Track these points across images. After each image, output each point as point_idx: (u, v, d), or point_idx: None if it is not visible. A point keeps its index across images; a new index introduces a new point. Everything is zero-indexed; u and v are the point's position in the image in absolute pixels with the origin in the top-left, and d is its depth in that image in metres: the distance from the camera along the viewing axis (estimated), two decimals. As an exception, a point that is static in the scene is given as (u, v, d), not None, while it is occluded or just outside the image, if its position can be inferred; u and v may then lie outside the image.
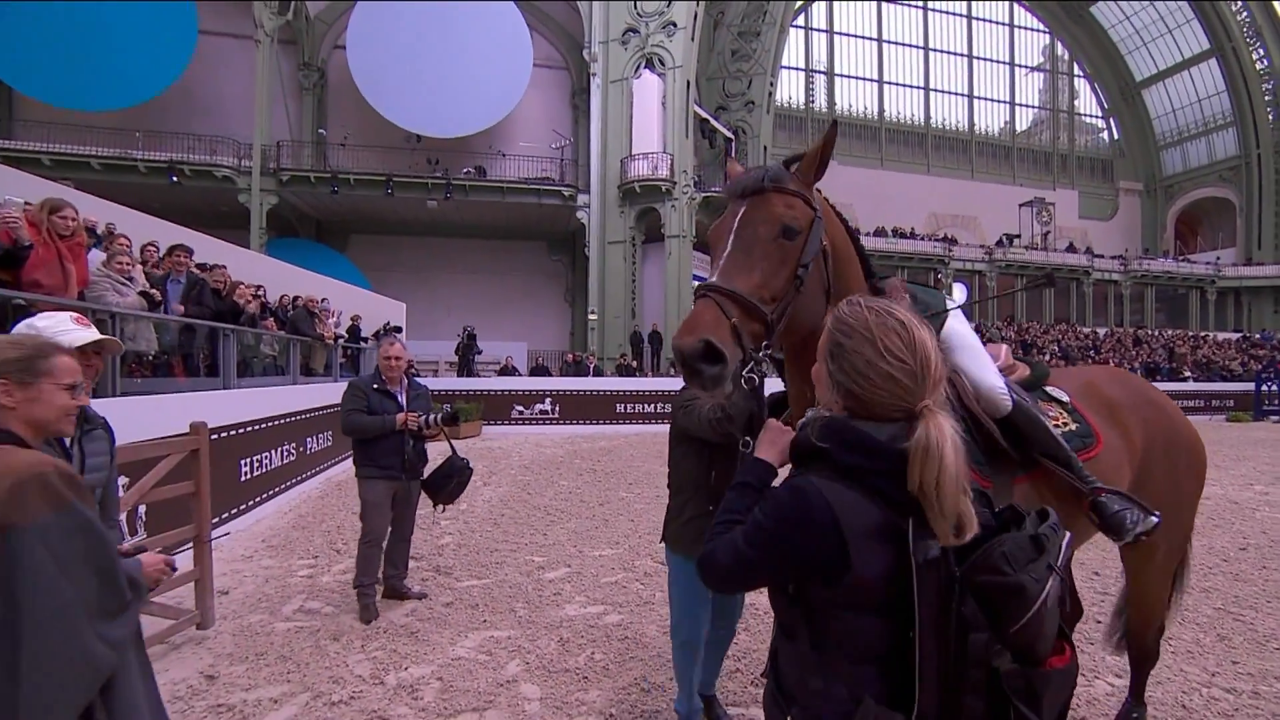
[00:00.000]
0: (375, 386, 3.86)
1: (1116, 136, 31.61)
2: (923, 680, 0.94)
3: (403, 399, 3.91)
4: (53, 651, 1.12)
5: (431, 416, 3.86)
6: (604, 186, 19.51)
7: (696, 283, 20.92)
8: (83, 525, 1.19)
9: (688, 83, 19.19)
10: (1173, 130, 30.29)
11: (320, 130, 20.16)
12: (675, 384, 15.67)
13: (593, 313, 19.66)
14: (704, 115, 21.52)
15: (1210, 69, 28.40)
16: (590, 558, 4.98)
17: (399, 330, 12.70)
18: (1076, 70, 31.38)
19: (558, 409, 14.08)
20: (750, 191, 1.44)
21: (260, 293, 8.02)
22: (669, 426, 2.57)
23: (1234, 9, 26.84)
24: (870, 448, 0.98)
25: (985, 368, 1.73)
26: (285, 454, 6.92)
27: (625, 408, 14.76)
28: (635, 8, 18.95)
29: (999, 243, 27.24)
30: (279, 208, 18.46)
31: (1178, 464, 2.23)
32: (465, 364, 14.57)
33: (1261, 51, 26.95)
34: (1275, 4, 26.23)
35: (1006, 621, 0.92)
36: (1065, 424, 1.97)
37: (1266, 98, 27.15)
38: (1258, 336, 26.70)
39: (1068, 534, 1.02)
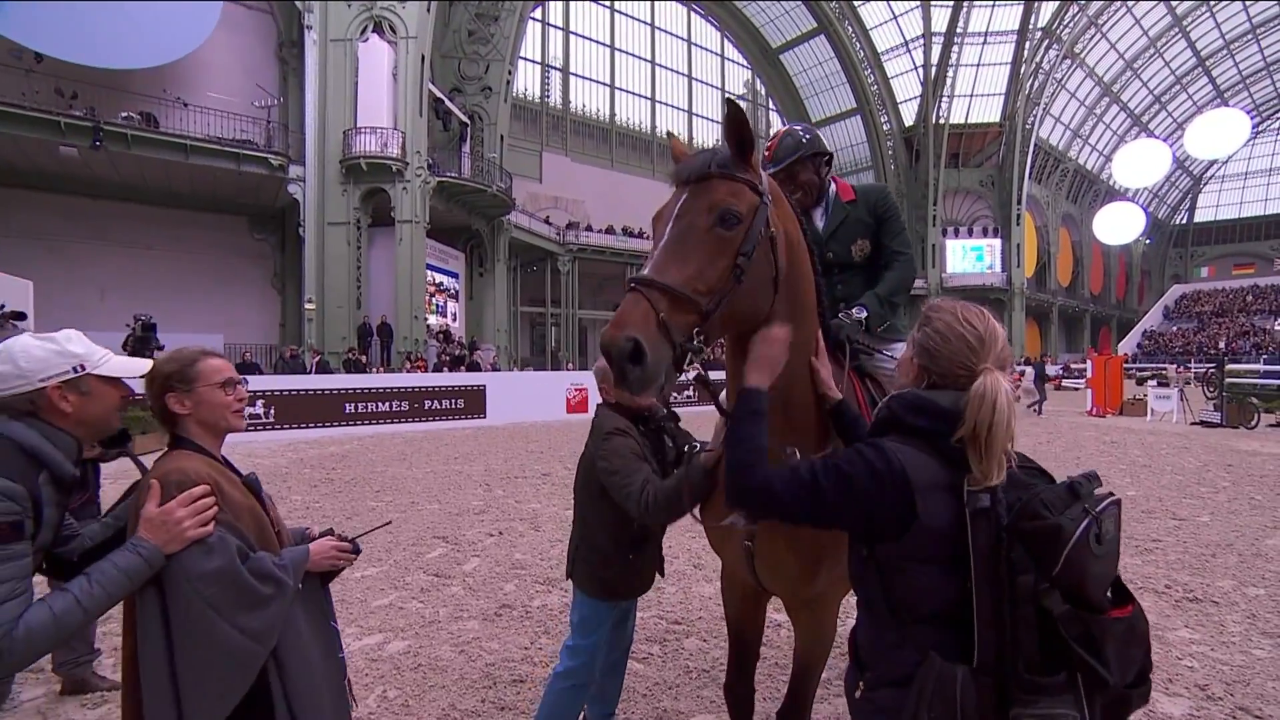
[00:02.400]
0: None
1: (795, 166, 38.32)
2: (980, 627, 1.04)
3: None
4: (195, 648, 1.27)
5: None
6: (322, 160, 17.06)
7: (431, 273, 20.15)
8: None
9: (422, 57, 17.81)
10: (837, 166, 35.97)
11: None
12: (412, 380, 14.61)
13: (309, 301, 17.12)
14: (439, 95, 20.24)
15: (856, 124, 36.17)
16: (351, 581, 4.22)
17: (21, 317, 9.34)
18: (771, 105, 37.19)
19: (272, 412, 11.93)
20: (694, 177, 1.37)
21: None
22: (579, 463, 2.22)
23: (868, 80, 34.56)
24: (934, 411, 1.12)
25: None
26: None
27: (355, 408, 13.16)
28: (360, -39, 16.95)
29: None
30: None
31: None
32: (138, 362, 11.43)
33: (885, 116, 35.22)
34: (893, 80, 34.60)
35: (1048, 561, 1.01)
36: None
37: (889, 152, 35.56)
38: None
39: (1118, 498, 1.09)
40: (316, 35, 16.95)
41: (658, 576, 2.29)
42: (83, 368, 1.39)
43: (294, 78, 18.27)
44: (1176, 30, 37.88)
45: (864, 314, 1.94)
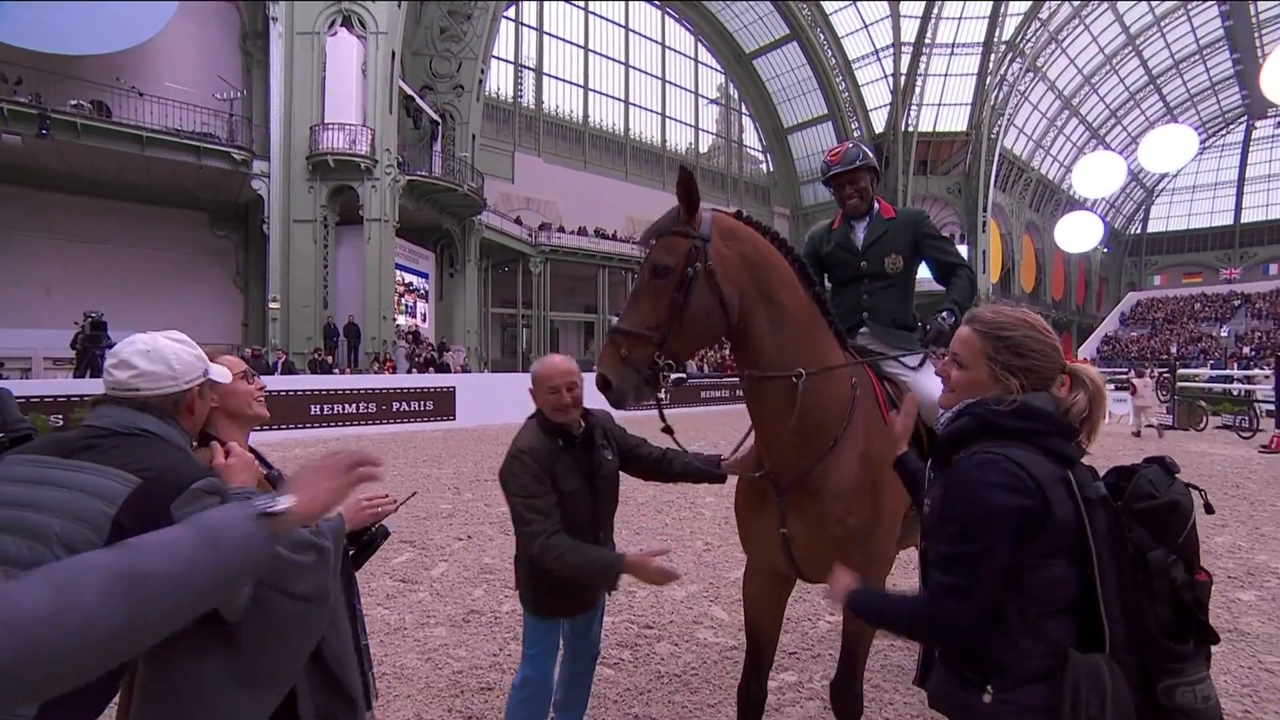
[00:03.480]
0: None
1: (771, 169, 38.61)
2: (1109, 611, 1.08)
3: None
4: (254, 618, 1.19)
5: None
6: (288, 155, 16.63)
7: (400, 273, 19.76)
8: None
9: (393, 53, 17.51)
10: (809, 170, 38.04)
11: None
12: (380, 382, 14.28)
13: (274, 300, 16.66)
14: (409, 92, 19.92)
15: (828, 129, 36.52)
16: (313, 588, 4.05)
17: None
18: (744, 109, 37.38)
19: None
20: (645, 242, 1.82)
21: None
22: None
23: (839, 87, 35.05)
24: (1035, 413, 1.17)
25: (933, 388, 2.05)
26: None
27: (321, 410, 12.86)
28: (328, -47, 16.58)
29: (685, 250, 31.03)
30: None
31: None
32: (88, 361, 10.94)
33: (856, 123, 35.75)
34: (864, 88, 35.15)
35: (1174, 534, 1.10)
36: None
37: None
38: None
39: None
40: (282, 27, 16.53)
41: (618, 591, 2.23)
42: (206, 372, 1.42)
43: (258, 70, 17.79)
44: (1130, 49, 39.37)
45: (951, 319, 2.24)
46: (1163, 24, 37.98)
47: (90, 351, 10.90)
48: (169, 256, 17.76)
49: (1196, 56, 41.16)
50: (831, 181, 2.48)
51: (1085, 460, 1.23)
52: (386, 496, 1.66)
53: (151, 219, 17.53)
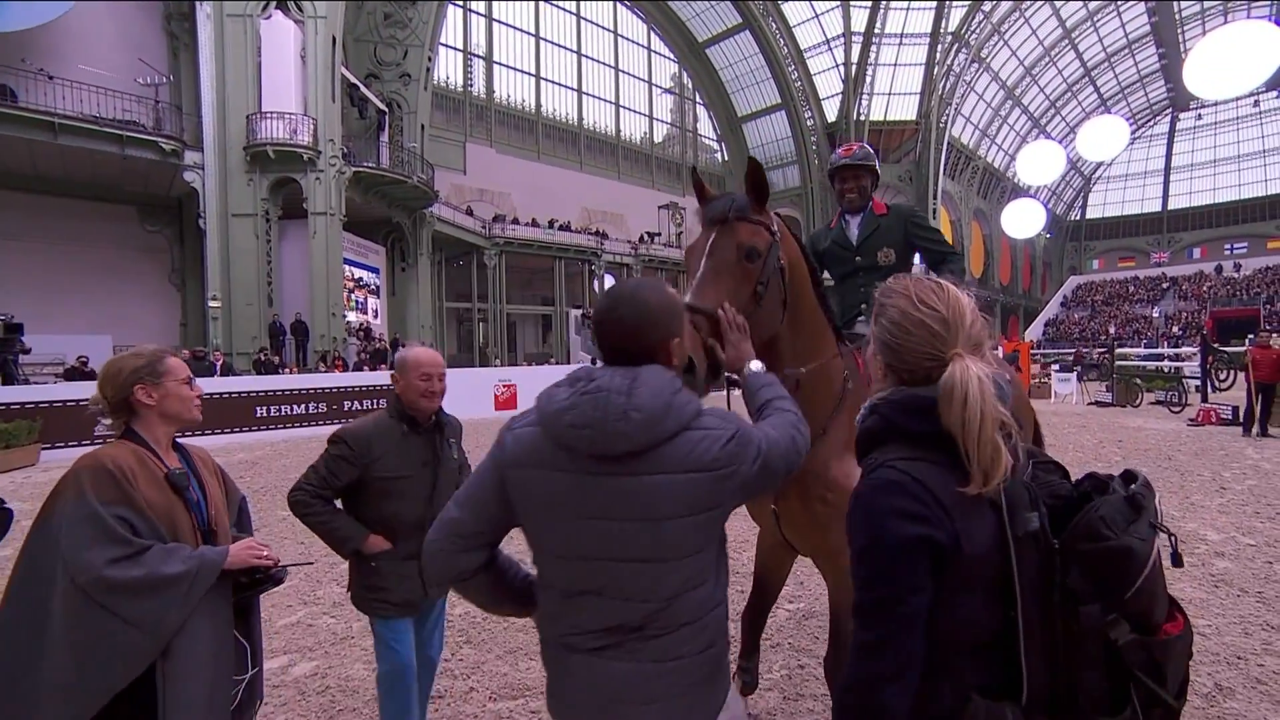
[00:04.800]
0: None
1: (726, 158, 38.77)
2: (1029, 660, 0.89)
3: None
4: (70, 630, 1.32)
5: None
6: (223, 146, 15.80)
7: (350, 268, 19.09)
8: (89, 516, 1.37)
9: (334, 38, 16.81)
10: (763, 159, 37.52)
11: None
12: (328, 380, 13.77)
13: (214, 298, 15.90)
14: (353, 81, 19.19)
15: (781, 118, 36.84)
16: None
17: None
18: (698, 98, 37.38)
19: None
20: (720, 219, 1.68)
21: None
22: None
23: (792, 76, 35.34)
24: (930, 408, 0.94)
25: None
26: None
27: (267, 411, 12.31)
28: (259, -68, 15.77)
29: (641, 239, 30.94)
30: None
31: None
32: (1, 367, 10.20)
33: (810, 112, 36.14)
34: (816, 77, 35.53)
35: (1119, 588, 0.89)
36: None
37: (813, 147, 36.51)
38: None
39: (1156, 494, 1.00)
40: (210, 8, 15.64)
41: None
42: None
43: (186, 54, 16.84)
44: (1066, 42, 40.91)
45: None
46: (1095, 19, 39.68)
47: (2, 356, 10.16)
48: (94, 253, 16.74)
49: (1126, 51, 43.22)
50: (837, 174, 2.63)
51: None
52: (275, 560, 1.66)
53: (72, 214, 16.46)
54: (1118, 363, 16.57)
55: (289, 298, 16.71)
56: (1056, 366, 19.29)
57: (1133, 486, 0.97)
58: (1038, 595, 0.90)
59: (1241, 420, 10.35)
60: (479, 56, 27.63)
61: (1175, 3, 38.23)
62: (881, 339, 1.03)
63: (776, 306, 1.73)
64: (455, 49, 26.58)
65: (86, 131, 14.16)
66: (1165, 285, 44.03)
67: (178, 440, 1.66)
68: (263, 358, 14.62)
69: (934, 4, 33.29)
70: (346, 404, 13.28)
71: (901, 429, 0.96)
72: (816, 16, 34.12)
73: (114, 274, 17.06)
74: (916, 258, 2.70)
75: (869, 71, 34.92)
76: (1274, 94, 44.37)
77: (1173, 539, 0.98)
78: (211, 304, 15.87)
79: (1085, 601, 0.89)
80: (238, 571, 1.58)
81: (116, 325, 16.09)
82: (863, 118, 35.61)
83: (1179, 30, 40.11)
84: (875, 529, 0.90)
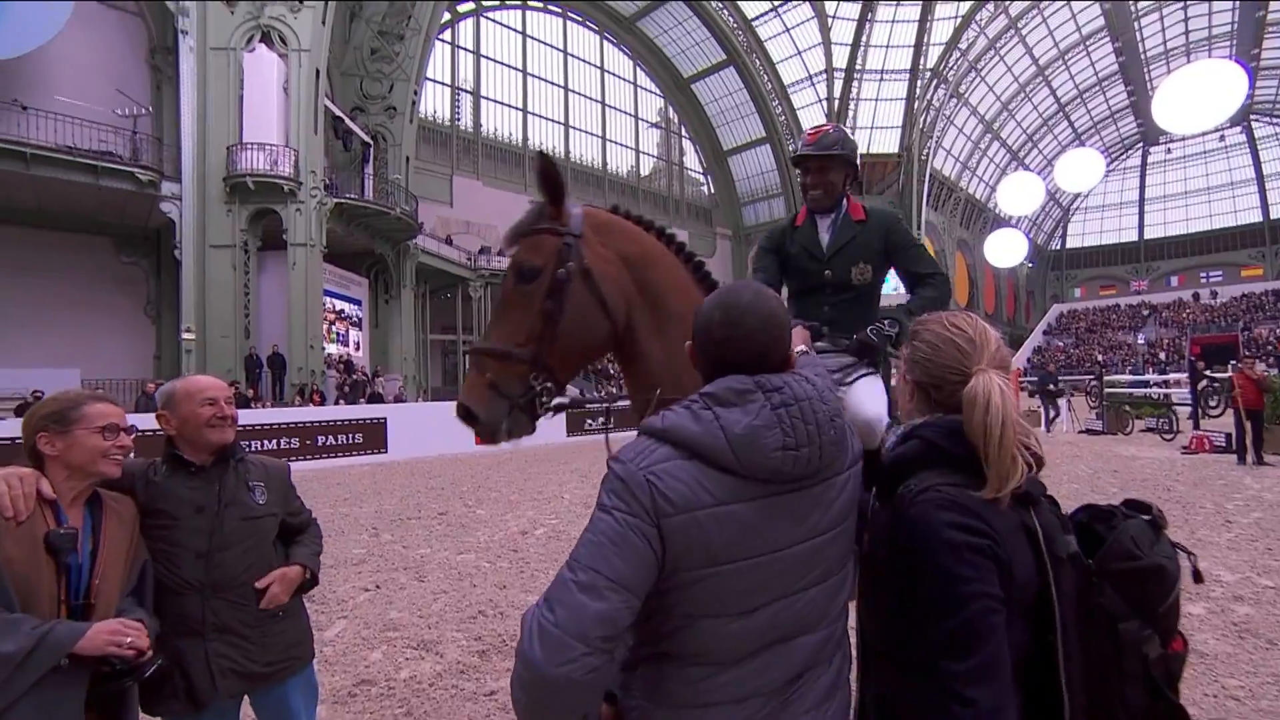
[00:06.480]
0: None
1: (712, 191, 39.14)
2: (1070, 681, 0.92)
3: None
4: None
5: None
6: (202, 177, 15.59)
7: (330, 299, 18.79)
8: None
9: (317, 71, 16.79)
10: (748, 192, 38.86)
11: None
12: (303, 414, 13.34)
13: (188, 330, 15.49)
14: (338, 113, 19.16)
15: (766, 152, 37.37)
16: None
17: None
18: (684, 132, 37.93)
19: (132, 455, 10.47)
20: (506, 245, 1.51)
21: None
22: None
23: (776, 111, 35.95)
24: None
25: (864, 403, 1.81)
26: None
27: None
28: (245, -32, 15.83)
29: (628, 271, 30.94)
30: None
31: None
32: (-41, 402, 9.75)
33: (793, 144, 36.58)
34: (799, 111, 36.12)
35: (1153, 603, 0.95)
36: None
37: (798, 179, 36.67)
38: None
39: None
40: (194, 41, 15.61)
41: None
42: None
43: (168, 87, 16.73)
44: (1041, 79, 42.18)
45: (895, 329, 1.90)
46: (1066, 58, 41.16)
47: (-40, 391, 9.71)
48: (65, 285, 16.32)
49: (1097, 88, 44.84)
50: (799, 165, 2.16)
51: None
52: (140, 649, 1.35)
53: (42, 244, 16.06)
54: (1106, 390, 16.42)
55: (267, 330, 16.35)
56: (1025, 392, 18.89)
57: (1153, 513, 1.03)
58: (1076, 615, 0.94)
59: (1235, 448, 10.16)
60: (466, 91, 27.87)
61: (1140, 43, 39.57)
62: (913, 358, 1.11)
63: (590, 316, 1.43)
64: (443, 84, 26.81)
65: (60, 162, 13.92)
66: (1146, 312, 44.55)
67: (99, 491, 1.50)
68: (236, 391, 14.17)
69: (911, 45, 34.20)
70: (321, 438, 12.84)
71: (945, 452, 1.00)
72: (799, 53, 34.87)
73: (86, 306, 16.62)
74: (891, 276, 2.19)
75: (851, 106, 35.61)
76: (1238, 129, 45.84)
77: (1192, 558, 1.02)
78: (185, 336, 15.45)
79: (1123, 619, 0.94)
80: (95, 659, 1.29)
81: (86, 358, 15.61)
82: (846, 151, 36.20)
83: (1145, 69, 41.48)
84: (947, 577, 0.89)
